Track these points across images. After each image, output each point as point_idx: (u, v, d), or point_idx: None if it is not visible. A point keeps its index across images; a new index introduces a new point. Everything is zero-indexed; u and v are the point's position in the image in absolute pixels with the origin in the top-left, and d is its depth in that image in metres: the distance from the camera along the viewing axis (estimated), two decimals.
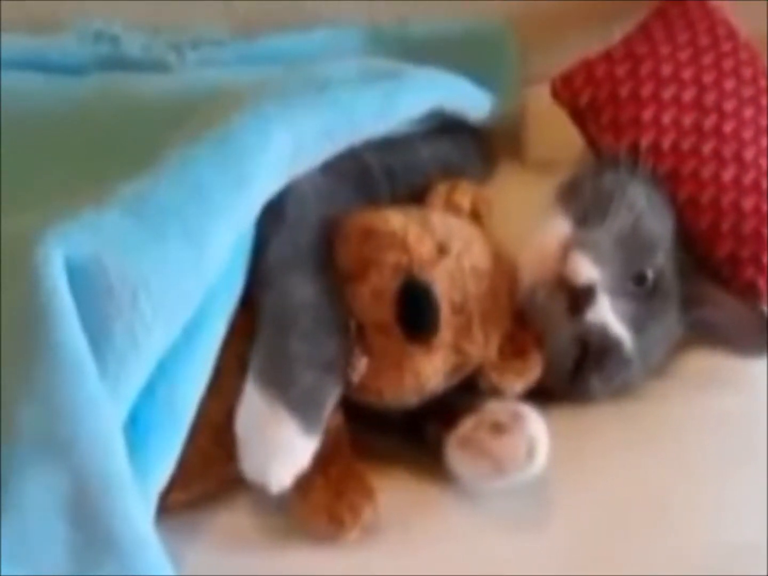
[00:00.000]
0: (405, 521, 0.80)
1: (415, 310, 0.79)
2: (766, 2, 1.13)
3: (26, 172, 0.89)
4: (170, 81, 1.00)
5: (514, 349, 0.84)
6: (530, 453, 0.78)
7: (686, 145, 0.96)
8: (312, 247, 0.82)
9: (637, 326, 0.86)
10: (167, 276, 0.73)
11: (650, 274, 0.88)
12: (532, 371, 0.84)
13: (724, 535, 0.80)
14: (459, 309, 0.81)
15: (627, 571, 0.77)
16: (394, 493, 0.81)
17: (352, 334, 0.79)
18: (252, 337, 0.79)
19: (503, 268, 0.85)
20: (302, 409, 0.77)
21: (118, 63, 1.07)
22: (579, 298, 0.84)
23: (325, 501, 0.77)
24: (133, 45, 1.10)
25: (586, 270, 0.84)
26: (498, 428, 0.79)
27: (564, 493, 0.81)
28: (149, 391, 0.73)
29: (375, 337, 0.79)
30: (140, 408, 0.73)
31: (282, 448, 0.76)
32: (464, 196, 0.88)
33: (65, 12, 1.14)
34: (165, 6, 1.16)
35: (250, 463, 0.76)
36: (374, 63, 0.94)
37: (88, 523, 0.69)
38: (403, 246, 0.80)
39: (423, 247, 0.81)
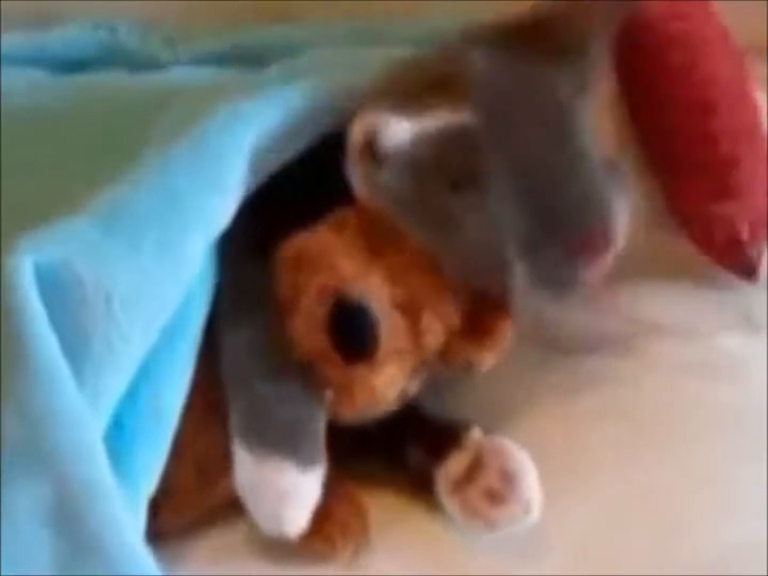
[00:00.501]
0: (395, 541, 0.79)
1: (353, 329, 0.76)
2: (766, 2, 1.13)
3: (15, 174, 0.89)
4: (156, 80, 1.02)
5: (478, 324, 0.81)
6: (527, 512, 0.77)
7: None
8: (254, 284, 0.80)
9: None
10: (142, 283, 0.72)
11: None
12: (500, 339, 0.81)
13: (726, 535, 0.79)
14: (406, 305, 0.78)
15: (627, 571, 0.77)
16: (384, 513, 0.80)
17: (304, 366, 0.78)
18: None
19: None
20: (292, 447, 0.75)
21: (116, 53, 1.08)
22: (373, 143, 0.78)
23: (315, 521, 0.76)
24: (130, 37, 1.11)
25: (358, 127, 0.79)
26: (492, 497, 0.77)
27: (560, 498, 0.80)
28: (132, 396, 0.73)
29: (318, 365, 0.77)
30: (124, 414, 0.73)
31: (287, 494, 0.75)
32: None
33: (67, 11, 1.14)
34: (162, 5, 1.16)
35: (261, 519, 0.76)
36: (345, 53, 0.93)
37: (73, 530, 0.69)
38: (330, 266, 0.77)
39: (352, 260, 0.78)
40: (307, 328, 0.77)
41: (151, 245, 0.74)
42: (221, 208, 0.78)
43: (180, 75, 1.04)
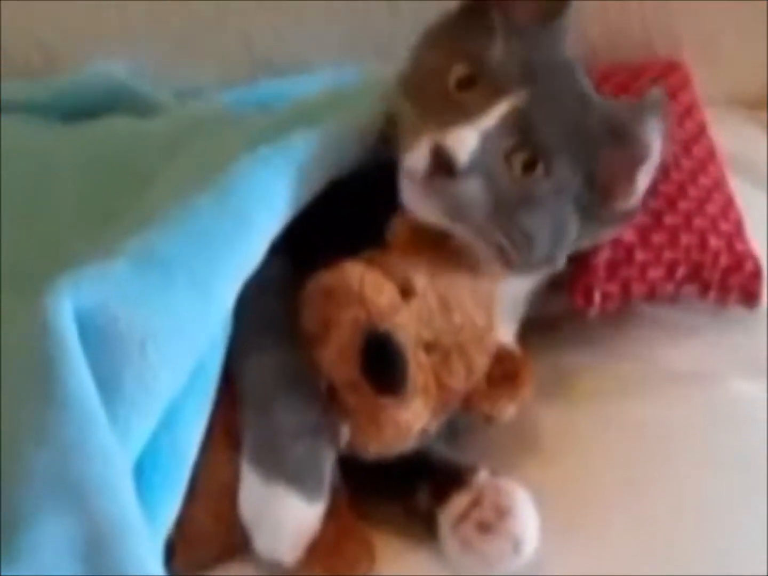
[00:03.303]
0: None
1: (382, 363, 0.77)
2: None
3: (22, 217, 0.92)
4: (161, 121, 1.04)
5: (503, 371, 0.82)
6: (516, 550, 0.77)
7: None
8: (280, 314, 0.82)
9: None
10: (174, 324, 0.74)
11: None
12: (523, 391, 0.82)
13: (729, 570, 0.80)
14: (433, 346, 0.80)
15: None
16: (391, 550, 0.81)
17: (325, 397, 0.79)
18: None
19: (480, 290, 0.84)
20: (300, 480, 0.77)
21: (126, 103, 1.10)
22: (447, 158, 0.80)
23: (324, 557, 0.77)
24: (142, 87, 1.13)
25: (418, 151, 0.80)
26: (483, 527, 0.78)
27: (565, 539, 0.80)
28: (153, 432, 0.74)
29: (347, 396, 0.78)
30: (145, 450, 0.74)
31: (288, 523, 0.77)
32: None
33: (82, 56, 1.16)
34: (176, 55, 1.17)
35: (260, 543, 0.78)
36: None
37: (100, 565, 0.70)
38: (360, 300, 0.78)
39: (381, 296, 0.79)
40: (339, 359, 0.78)
41: (182, 287, 0.75)
42: (250, 249, 0.79)
43: (184, 115, 1.06)
